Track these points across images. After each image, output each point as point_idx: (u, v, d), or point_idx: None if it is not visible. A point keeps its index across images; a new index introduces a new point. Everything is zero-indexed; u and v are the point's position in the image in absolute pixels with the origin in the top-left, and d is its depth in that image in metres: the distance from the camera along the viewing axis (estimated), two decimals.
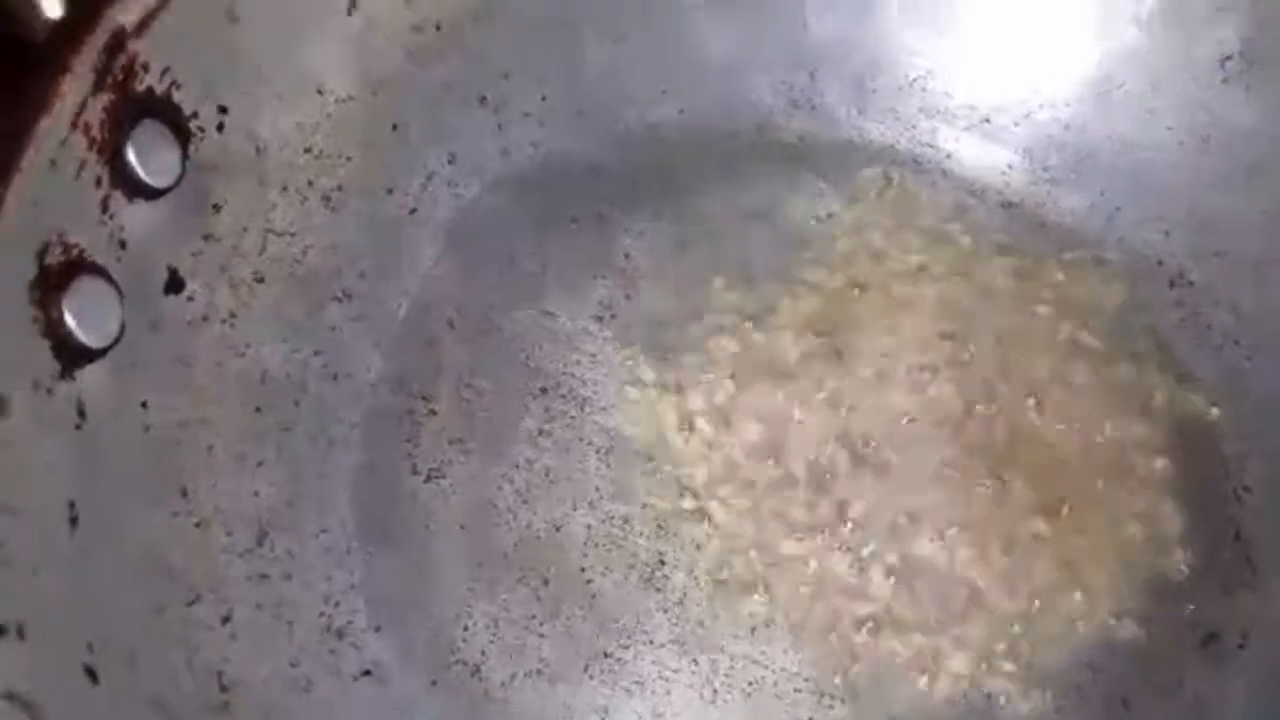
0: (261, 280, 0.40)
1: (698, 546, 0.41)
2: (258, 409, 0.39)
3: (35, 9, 0.35)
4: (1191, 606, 0.41)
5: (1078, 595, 0.41)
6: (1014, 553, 0.42)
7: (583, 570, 0.41)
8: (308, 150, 0.42)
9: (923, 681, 0.40)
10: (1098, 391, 0.45)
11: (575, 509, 0.42)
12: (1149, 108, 0.48)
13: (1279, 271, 0.45)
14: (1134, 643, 0.40)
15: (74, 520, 0.31)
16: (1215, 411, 0.45)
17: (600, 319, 0.46)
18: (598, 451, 0.43)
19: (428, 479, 0.42)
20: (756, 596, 0.40)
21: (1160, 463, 0.44)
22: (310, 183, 0.42)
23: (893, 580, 0.41)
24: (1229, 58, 0.46)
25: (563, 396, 0.44)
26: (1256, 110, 0.46)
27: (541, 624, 0.39)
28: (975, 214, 0.49)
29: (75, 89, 0.32)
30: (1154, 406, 0.45)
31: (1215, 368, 0.46)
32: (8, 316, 0.30)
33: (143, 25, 0.34)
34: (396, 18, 0.43)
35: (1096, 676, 0.40)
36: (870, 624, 0.40)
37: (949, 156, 0.50)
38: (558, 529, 0.41)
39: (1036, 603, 0.41)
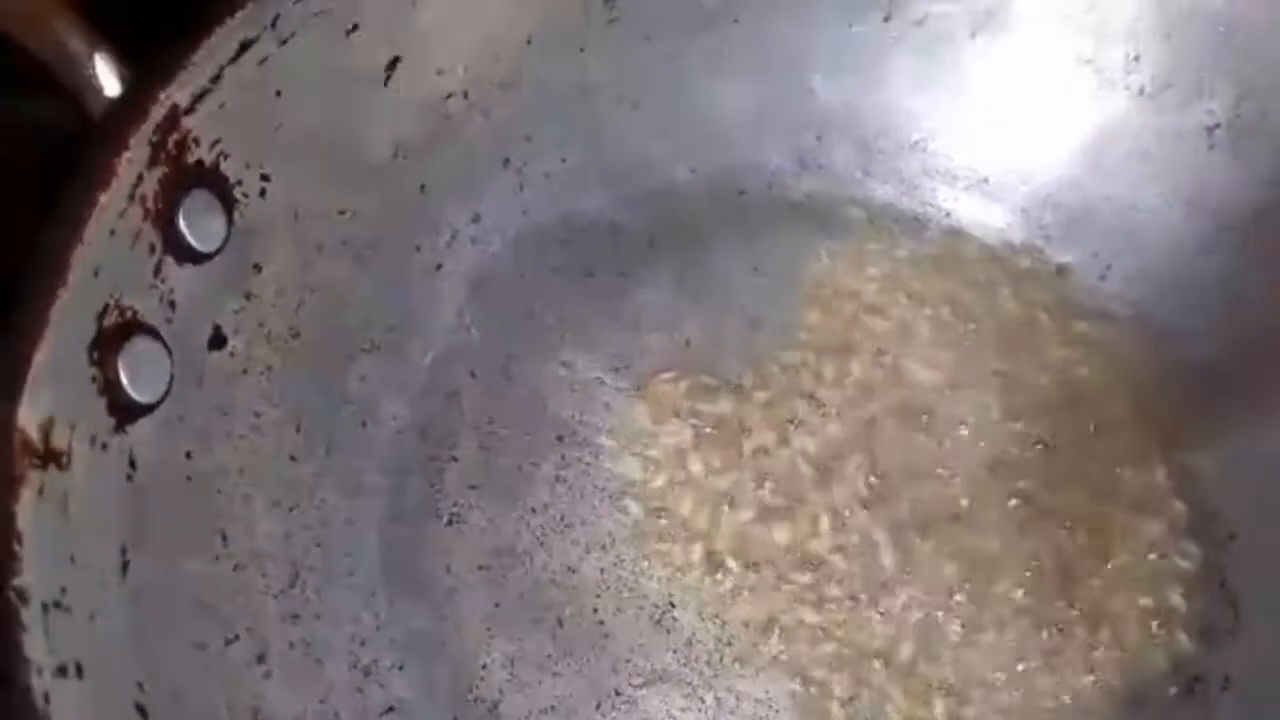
0: (297, 335, 0.43)
1: (706, 590, 0.43)
2: (292, 457, 0.41)
3: (95, 87, 0.37)
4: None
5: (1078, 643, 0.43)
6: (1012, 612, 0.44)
7: (595, 611, 0.43)
8: (341, 212, 0.44)
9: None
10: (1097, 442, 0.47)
11: (589, 552, 0.44)
12: (1140, 172, 0.50)
13: (1265, 331, 0.48)
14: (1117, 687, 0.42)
15: (125, 566, 0.33)
16: (1206, 463, 0.47)
17: (615, 369, 0.48)
18: (611, 497, 0.45)
19: (449, 523, 0.44)
20: (762, 639, 0.42)
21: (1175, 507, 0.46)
22: (344, 242, 0.45)
23: (897, 628, 0.43)
24: (1216, 127, 0.48)
25: (578, 444, 0.46)
26: (1240, 177, 0.48)
27: (556, 663, 0.42)
28: (975, 269, 0.51)
29: (133, 164, 0.35)
30: (1152, 455, 0.47)
31: (1202, 420, 0.48)
32: (70, 376, 0.33)
33: (195, 102, 0.37)
34: (428, 88, 0.46)
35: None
36: (876, 664, 0.43)
37: (949, 215, 0.53)
38: (572, 571, 0.44)
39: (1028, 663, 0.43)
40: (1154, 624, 0.43)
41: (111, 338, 0.34)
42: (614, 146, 0.52)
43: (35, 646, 0.28)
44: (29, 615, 0.28)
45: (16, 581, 0.28)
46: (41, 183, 0.36)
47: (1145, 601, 0.44)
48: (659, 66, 0.51)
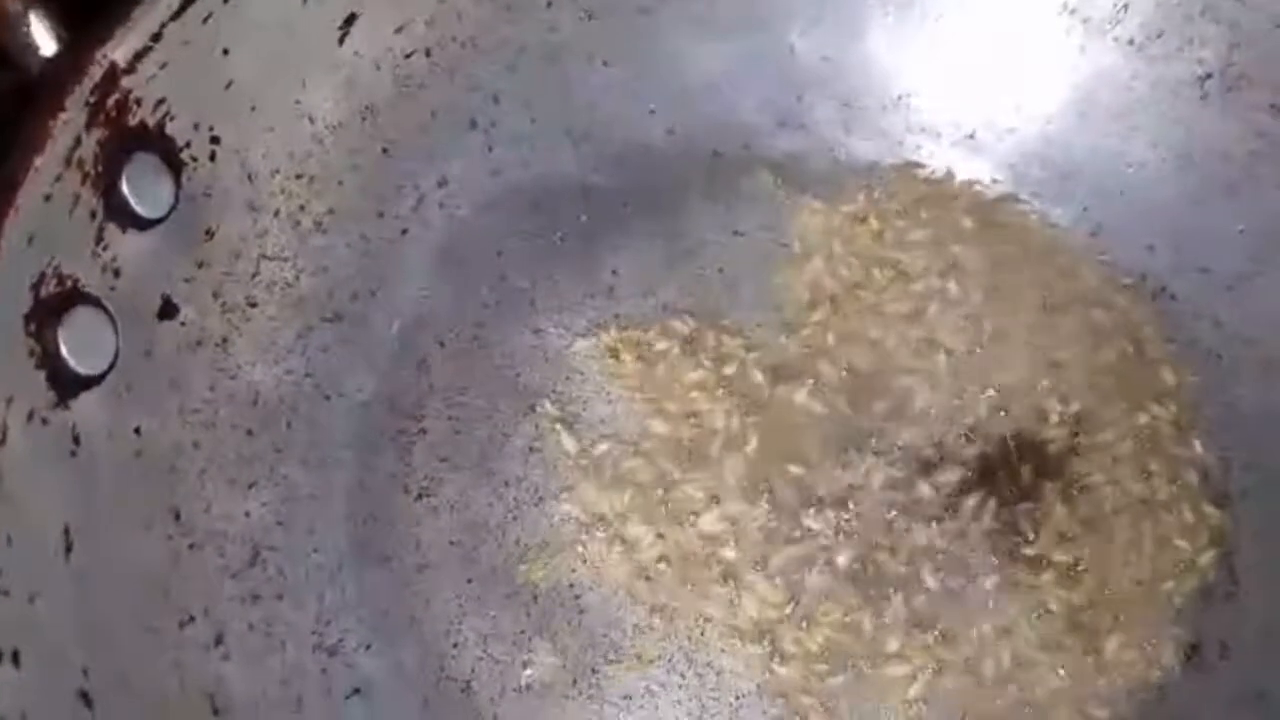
0: (254, 304, 0.41)
1: (685, 560, 0.42)
2: (249, 431, 0.40)
3: (31, 46, 0.36)
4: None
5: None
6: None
7: (571, 586, 0.41)
8: (299, 176, 0.43)
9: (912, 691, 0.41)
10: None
11: (564, 525, 0.43)
12: (1130, 125, 0.48)
13: (1257, 286, 0.46)
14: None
15: (69, 547, 0.32)
16: (1210, 424, 0.46)
17: (588, 336, 0.46)
18: (582, 469, 0.44)
19: (419, 497, 0.42)
20: (742, 612, 0.41)
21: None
22: (302, 207, 0.43)
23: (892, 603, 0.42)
24: (1208, 76, 0.47)
25: (551, 414, 0.45)
26: (1234, 128, 0.46)
27: (530, 640, 0.40)
28: (961, 227, 0.49)
29: (69, 127, 0.33)
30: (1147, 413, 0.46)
31: (1199, 380, 0.46)
32: (4, 348, 0.31)
33: (135, 61, 0.35)
34: (385, 47, 0.44)
35: None
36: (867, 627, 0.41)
37: (934, 171, 0.51)
38: (546, 545, 0.42)
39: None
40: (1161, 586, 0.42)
41: (50, 308, 0.32)
42: (586, 106, 0.50)
43: None
44: None
45: None
46: None
47: (1152, 563, 0.42)
48: (632, 22, 0.50)
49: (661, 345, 0.46)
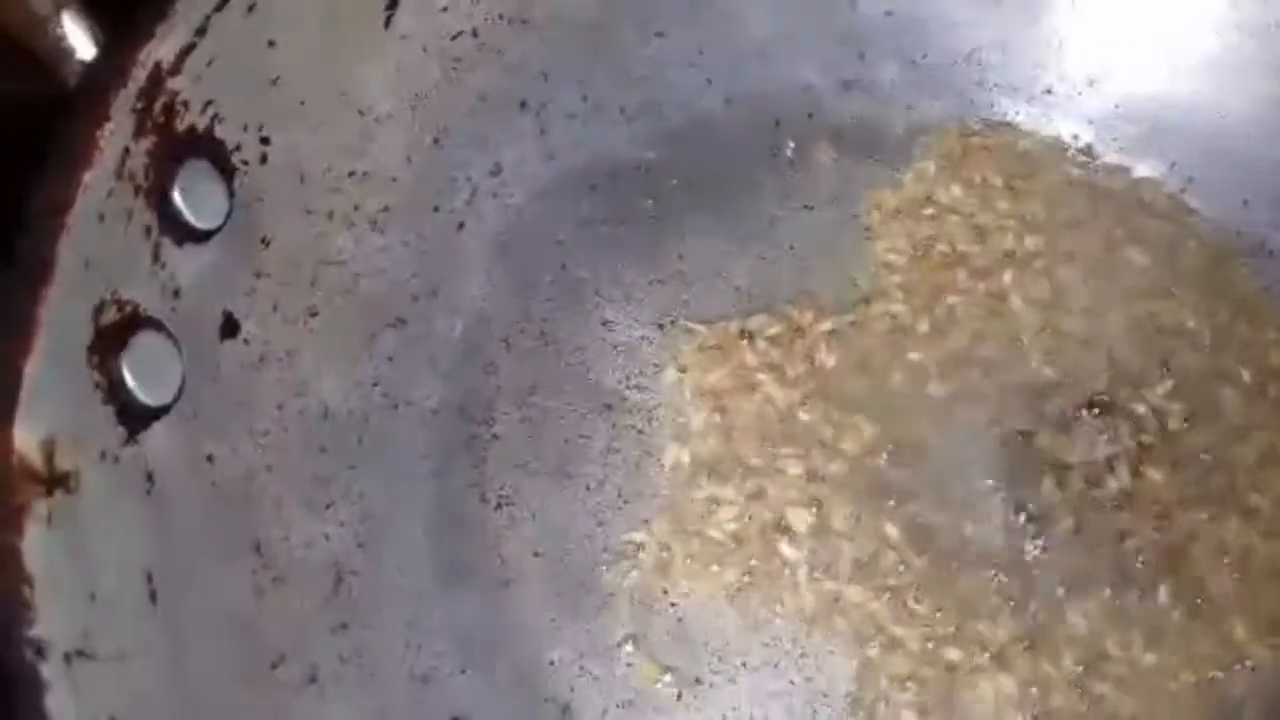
0: (315, 314, 0.38)
1: (784, 561, 0.40)
2: (322, 449, 0.37)
3: (66, 50, 0.33)
4: None
5: None
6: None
7: (665, 593, 0.39)
8: (351, 174, 0.40)
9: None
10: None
11: (652, 528, 0.40)
12: (1221, 74, 0.46)
13: None
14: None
15: (154, 594, 0.29)
16: None
17: (660, 326, 0.44)
18: (668, 466, 0.42)
19: (497, 506, 0.40)
20: (846, 612, 0.39)
21: None
22: (356, 207, 0.40)
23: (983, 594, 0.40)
24: None
25: (628, 410, 0.42)
26: None
27: (629, 651, 0.38)
28: (1042, 189, 0.47)
29: (117, 136, 0.30)
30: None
31: None
32: (69, 385, 0.28)
33: (180, 60, 0.32)
34: (432, 28, 0.41)
35: None
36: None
37: (1012, 130, 0.48)
38: (637, 550, 0.40)
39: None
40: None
41: (111, 337, 0.30)
42: (639, 79, 0.47)
43: (62, 706, 0.24)
44: (51, 670, 0.24)
45: (32, 633, 0.24)
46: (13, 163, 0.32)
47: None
48: None
49: (739, 338, 0.43)
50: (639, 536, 0.40)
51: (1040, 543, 0.40)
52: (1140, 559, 0.40)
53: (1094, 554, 0.40)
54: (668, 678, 0.38)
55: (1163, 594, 0.39)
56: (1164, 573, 0.40)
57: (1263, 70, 0.45)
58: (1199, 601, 0.40)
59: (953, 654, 0.39)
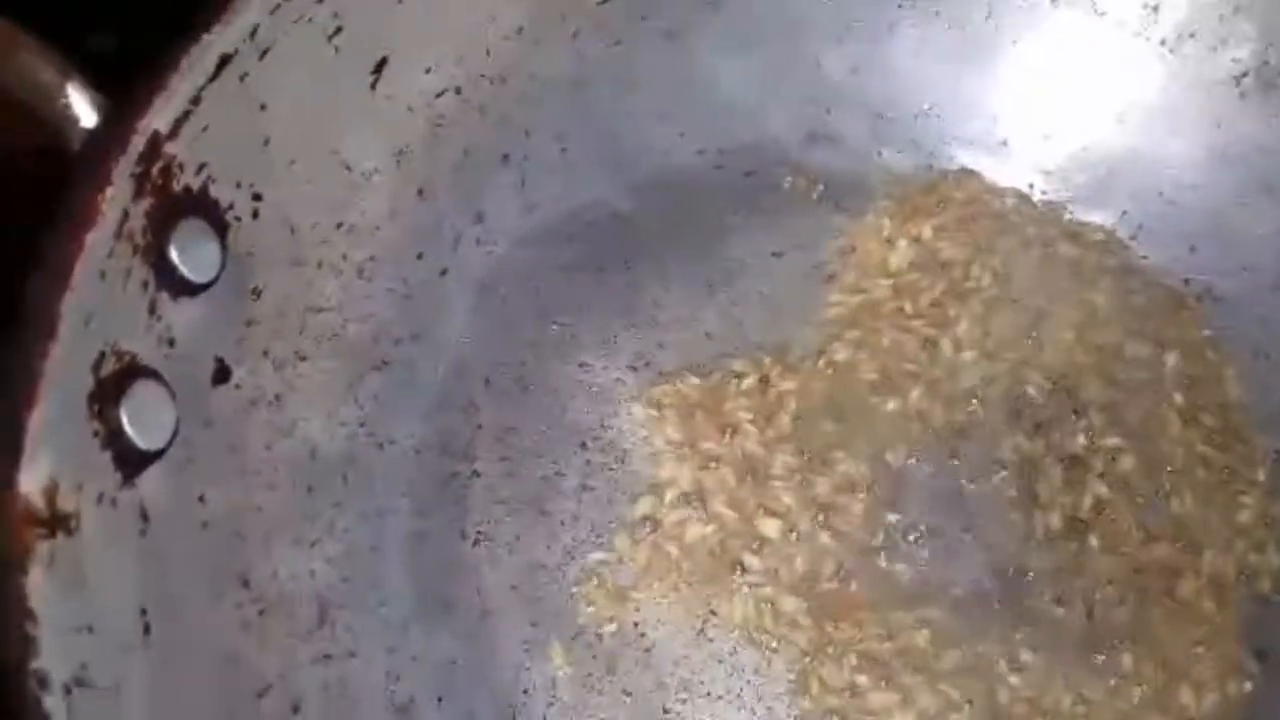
0: (304, 358, 0.41)
1: (749, 593, 0.42)
2: (309, 488, 0.40)
3: (71, 118, 0.35)
4: None
5: None
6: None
7: (635, 625, 0.41)
8: (339, 225, 0.42)
9: None
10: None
11: (623, 562, 0.42)
12: (1168, 127, 0.48)
13: None
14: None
15: (147, 627, 0.31)
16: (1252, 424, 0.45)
17: (635, 369, 0.46)
18: (637, 503, 0.43)
19: (476, 542, 0.42)
20: (811, 647, 0.41)
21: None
22: (344, 256, 0.42)
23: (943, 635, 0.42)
24: (1244, 75, 0.46)
25: (602, 449, 0.45)
26: (1273, 126, 0.46)
27: (599, 682, 0.40)
28: (999, 236, 0.49)
29: (117, 199, 0.33)
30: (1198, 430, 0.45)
31: (1247, 383, 0.46)
32: (71, 433, 0.31)
33: (177, 127, 0.35)
34: (417, 88, 0.44)
35: None
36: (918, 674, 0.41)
37: (969, 181, 0.50)
38: (607, 583, 0.42)
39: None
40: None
41: (111, 387, 0.32)
42: (615, 133, 0.49)
43: None
44: (52, 701, 0.26)
45: (35, 665, 0.26)
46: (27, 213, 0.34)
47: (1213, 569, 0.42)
48: (657, 46, 0.49)
49: (710, 381, 0.45)
50: (610, 569, 0.42)
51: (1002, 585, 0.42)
52: (1098, 609, 0.42)
53: (1047, 597, 0.42)
54: (636, 705, 0.40)
55: (1117, 642, 0.41)
56: (1121, 631, 0.42)
57: (1206, 124, 0.47)
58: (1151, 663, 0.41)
59: (925, 700, 0.41)
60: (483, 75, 0.46)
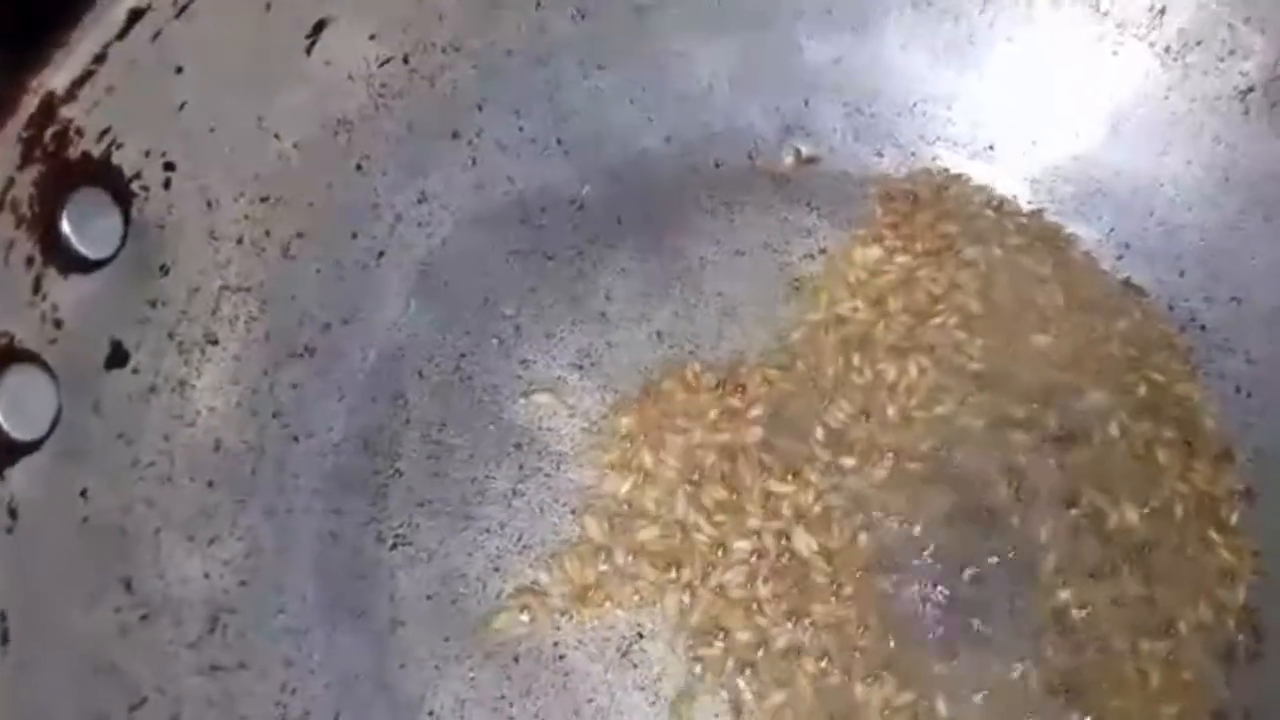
0: (215, 342, 0.38)
1: (680, 616, 0.39)
2: (210, 483, 0.37)
3: None
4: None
5: None
6: None
7: (555, 645, 0.39)
8: (264, 199, 0.39)
9: None
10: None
11: (549, 576, 0.40)
12: (1164, 140, 0.45)
13: None
14: None
15: (5, 637, 0.29)
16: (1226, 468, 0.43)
17: (580, 367, 0.43)
18: (573, 513, 0.41)
19: (393, 546, 0.40)
20: (739, 672, 0.39)
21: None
22: (268, 233, 0.40)
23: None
24: (1251, 90, 0.43)
25: (537, 453, 0.42)
26: (1279, 147, 0.43)
27: (511, 705, 0.38)
28: (978, 248, 0.46)
29: (1, 166, 0.30)
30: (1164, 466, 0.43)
31: (1224, 421, 0.43)
32: None
33: (75, 88, 0.32)
34: (359, 54, 0.41)
35: None
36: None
37: (950, 187, 0.47)
38: (529, 600, 0.39)
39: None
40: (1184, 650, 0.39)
41: None
42: (577, 113, 0.46)
43: None
44: None
45: None
46: None
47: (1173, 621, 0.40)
48: (627, 21, 0.46)
49: (657, 387, 0.43)
50: (533, 584, 0.40)
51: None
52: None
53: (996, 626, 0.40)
54: None
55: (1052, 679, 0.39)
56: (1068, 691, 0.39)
57: (1206, 140, 0.44)
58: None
59: None
60: (433, 43, 0.43)
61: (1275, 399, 0.43)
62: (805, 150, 0.48)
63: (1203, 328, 0.45)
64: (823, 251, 0.46)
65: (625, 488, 0.41)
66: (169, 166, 0.36)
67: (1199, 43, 0.44)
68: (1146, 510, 0.41)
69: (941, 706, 0.38)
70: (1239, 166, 0.44)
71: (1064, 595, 0.40)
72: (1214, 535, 0.42)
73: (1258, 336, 0.43)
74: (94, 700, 0.31)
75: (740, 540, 0.40)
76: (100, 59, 0.32)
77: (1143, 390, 0.43)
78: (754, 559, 0.40)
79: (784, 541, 0.40)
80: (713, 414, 0.42)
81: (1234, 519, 0.42)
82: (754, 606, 0.39)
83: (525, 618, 0.39)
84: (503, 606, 0.39)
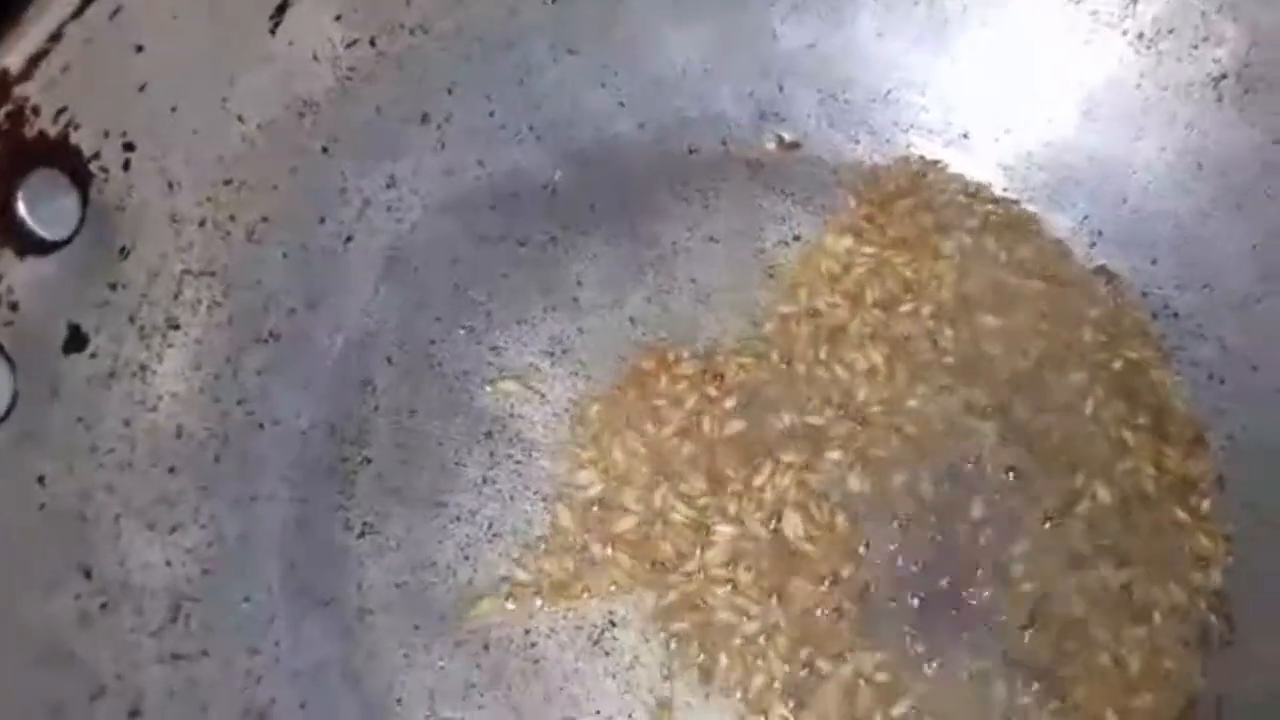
0: (176, 327, 0.37)
1: (652, 605, 0.39)
2: (171, 469, 0.36)
3: None
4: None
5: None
6: None
7: (527, 633, 0.38)
8: (228, 182, 0.39)
9: None
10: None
11: (520, 565, 0.39)
12: (1137, 127, 0.45)
13: (1267, 308, 0.43)
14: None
15: None
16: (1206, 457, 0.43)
17: (551, 354, 0.43)
18: (544, 500, 0.41)
19: (361, 534, 0.39)
20: (712, 661, 0.38)
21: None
22: (232, 216, 0.39)
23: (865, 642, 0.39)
24: (1224, 77, 0.43)
25: (508, 440, 0.41)
26: (1250, 135, 0.43)
27: (481, 694, 0.37)
28: (951, 235, 0.46)
29: None
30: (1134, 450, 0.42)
31: (1197, 407, 0.43)
32: None
33: (31, 66, 0.31)
34: (326, 35, 0.40)
35: None
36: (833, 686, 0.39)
37: (924, 173, 0.47)
38: (500, 588, 0.39)
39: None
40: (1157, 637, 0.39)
41: None
42: (549, 98, 0.46)
43: None
44: None
45: None
46: None
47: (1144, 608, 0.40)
48: (599, 5, 0.45)
49: (630, 374, 0.42)
50: (504, 573, 0.39)
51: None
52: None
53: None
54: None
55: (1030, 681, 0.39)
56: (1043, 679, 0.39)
57: (1179, 127, 0.44)
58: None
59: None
60: (401, 24, 0.42)
61: (1247, 385, 0.43)
62: (780, 136, 0.47)
63: (1175, 315, 0.44)
64: (797, 238, 0.46)
65: (597, 476, 0.41)
66: (129, 147, 0.35)
67: (1172, 30, 0.43)
68: (1121, 497, 0.41)
69: (917, 691, 0.38)
70: (1211, 154, 0.44)
71: (1039, 582, 0.40)
72: (1187, 520, 0.42)
73: (1230, 323, 0.43)
74: (52, 689, 0.31)
75: (718, 527, 0.40)
76: (56, 37, 0.32)
77: (1118, 365, 0.43)
78: (731, 545, 0.40)
79: (762, 528, 0.40)
80: (683, 404, 0.42)
81: (1205, 506, 0.42)
82: (731, 590, 0.39)
83: (510, 605, 0.38)
84: (480, 594, 0.39)
